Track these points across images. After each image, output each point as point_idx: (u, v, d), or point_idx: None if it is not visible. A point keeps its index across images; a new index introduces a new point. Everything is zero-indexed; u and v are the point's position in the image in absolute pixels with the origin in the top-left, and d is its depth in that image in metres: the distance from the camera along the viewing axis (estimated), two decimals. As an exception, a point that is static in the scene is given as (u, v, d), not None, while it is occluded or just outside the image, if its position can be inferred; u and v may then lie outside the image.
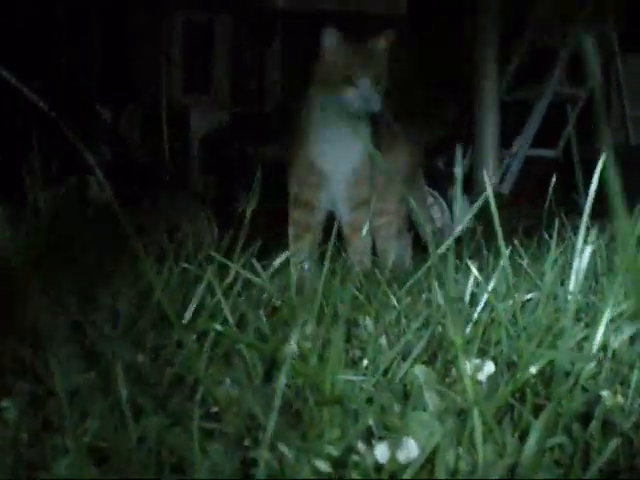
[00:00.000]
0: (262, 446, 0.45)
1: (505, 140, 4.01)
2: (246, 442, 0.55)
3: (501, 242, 0.63)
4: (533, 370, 0.57)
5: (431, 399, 0.56)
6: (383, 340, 0.78)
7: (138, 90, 4.89)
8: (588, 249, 0.59)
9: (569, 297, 0.70)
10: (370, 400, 0.60)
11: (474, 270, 0.78)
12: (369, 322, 0.84)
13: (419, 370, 0.60)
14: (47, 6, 4.30)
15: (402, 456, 0.51)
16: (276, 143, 3.45)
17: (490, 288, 0.81)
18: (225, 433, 0.56)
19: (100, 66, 4.76)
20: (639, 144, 4.47)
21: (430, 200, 3.29)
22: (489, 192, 0.75)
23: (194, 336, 0.73)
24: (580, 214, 0.84)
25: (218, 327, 0.68)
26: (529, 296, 0.81)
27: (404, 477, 0.49)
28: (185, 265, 0.98)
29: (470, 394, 0.53)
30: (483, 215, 0.95)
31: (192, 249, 1.10)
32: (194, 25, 4.88)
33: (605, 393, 0.60)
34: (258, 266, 0.91)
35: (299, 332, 0.49)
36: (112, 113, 4.82)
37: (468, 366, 0.56)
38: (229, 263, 0.88)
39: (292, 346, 0.47)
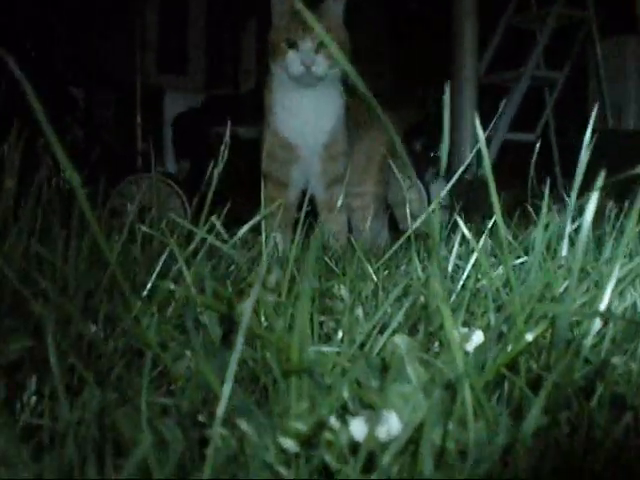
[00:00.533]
0: (215, 422, 0.39)
1: (482, 124, 3.97)
2: (203, 419, 0.50)
3: (495, 203, 0.57)
4: (529, 337, 0.52)
5: (414, 370, 0.50)
6: (359, 311, 0.73)
7: (111, 71, 4.79)
8: (592, 205, 0.53)
9: (564, 259, 0.65)
10: (344, 373, 0.54)
11: (463, 228, 0.73)
12: (344, 291, 0.79)
13: (400, 339, 0.54)
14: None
15: (382, 432, 0.45)
16: (250, 124, 3.39)
17: (474, 257, 0.76)
18: (179, 409, 0.50)
19: (72, 47, 4.65)
20: (617, 128, 4.45)
21: (407, 182, 3.25)
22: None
23: (153, 306, 0.67)
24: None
25: (172, 286, 0.62)
26: (519, 261, 0.76)
27: (384, 457, 0.43)
28: (145, 229, 0.92)
29: (459, 364, 0.48)
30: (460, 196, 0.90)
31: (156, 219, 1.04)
32: (169, 5, 4.78)
33: (616, 359, 0.55)
34: (225, 234, 0.85)
35: (260, 286, 0.43)
36: (85, 95, 4.73)
37: (454, 336, 0.51)
38: (193, 228, 0.82)
39: (251, 299, 0.41)
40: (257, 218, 0.83)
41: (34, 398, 0.55)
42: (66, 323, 0.61)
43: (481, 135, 0.67)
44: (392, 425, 0.46)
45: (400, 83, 4.78)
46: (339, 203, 1.99)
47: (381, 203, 2.31)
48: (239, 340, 0.39)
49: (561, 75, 4.34)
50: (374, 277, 0.88)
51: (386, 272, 0.95)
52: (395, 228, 2.57)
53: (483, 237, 0.76)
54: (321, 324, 0.73)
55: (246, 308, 0.40)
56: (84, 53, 4.66)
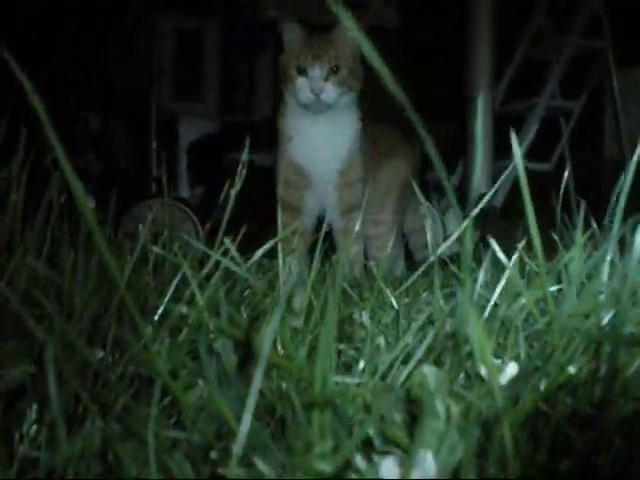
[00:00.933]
0: (232, 461, 0.35)
1: (498, 153, 3.95)
2: (215, 455, 0.46)
3: (533, 224, 0.54)
4: (572, 370, 0.48)
5: (445, 405, 0.46)
6: (381, 340, 0.69)
7: (126, 97, 4.81)
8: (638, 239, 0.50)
9: (606, 285, 0.62)
10: (367, 406, 0.51)
11: (496, 248, 0.69)
12: (365, 318, 0.75)
13: (428, 370, 0.50)
14: (34, 12, 4.22)
15: (416, 474, 0.41)
16: (265, 151, 3.37)
17: (503, 282, 0.72)
18: (190, 443, 0.46)
19: (88, 72, 4.68)
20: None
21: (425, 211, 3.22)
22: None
23: (163, 332, 0.64)
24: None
25: (184, 310, 0.59)
26: (553, 288, 0.72)
27: None
28: (157, 250, 0.88)
29: (496, 400, 0.44)
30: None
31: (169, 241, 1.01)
32: (185, 32, 4.80)
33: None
34: (239, 258, 0.81)
35: (282, 310, 0.40)
36: (100, 120, 4.75)
37: (483, 368, 0.47)
38: (207, 251, 0.79)
39: (272, 325, 0.37)
40: (272, 242, 0.79)
41: (34, 428, 0.52)
42: (70, 348, 0.58)
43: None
44: (427, 467, 0.42)
45: (417, 114, 4.76)
46: (356, 230, 1.96)
47: (398, 232, 2.28)
48: (259, 372, 0.35)
49: (577, 105, 4.32)
50: (395, 304, 0.84)
51: (406, 300, 0.91)
52: (408, 257, 2.54)
53: (514, 258, 0.73)
54: (339, 352, 0.70)
55: (267, 335, 0.37)
56: (99, 78, 4.68)
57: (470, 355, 0.59)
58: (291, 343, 0.56)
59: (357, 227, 1.95)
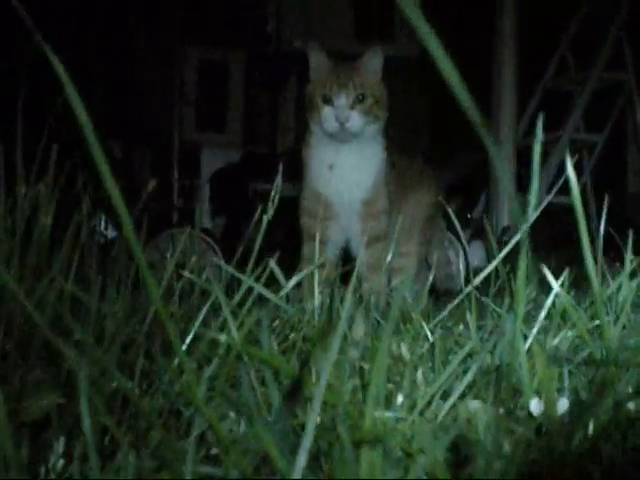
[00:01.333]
0: None
1: (521, 186, 3.92)
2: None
3: (587, 248, 0.51)
4: (631, 406, 0.45)
5: (498, 441, 0.43)
6: (419, 374, 0.66)
7: (150, 127, 4.84)
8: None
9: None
10: (410, 442, 0.48)
11: (548, 274, 0.66)
12: (404, 350, 0.72)
13: (476, 405, 0.47)
14: (60, 39, 4.27)
15: None
16: (288, 181, 3.37)
17: (543, 315, 0.70)
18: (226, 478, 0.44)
19: (112, 102, 4.72)
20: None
21: (446, 243, 3.20)
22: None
23: (193, 362, 0.62)
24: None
25: (222, 337, 0.56)
26: (596, 323, 0.68)
27: None
28: (187, 274, 0.86)
29: (554, 435, 0.41)
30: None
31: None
32: (209, 63, 4.84)
33: None
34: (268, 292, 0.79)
35: (338, 340, 0.37)
36: (123, 149, 4.78)
37: (534, 403, 0.44)
38: (239, 275, 0.76)
39: (331, 355, 0.35)
40: (305, 271, 0.77)
41: (61, 462, 0.49)
42: (100, 377, 0.56)
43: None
44: None
45: (438, 146, 4.76)
46: (384, 263, 1.94)
47: (422, 264, 2.26)
48: (316, 406, 0.33)
49: (600, 138, 4.29)
50: (430, 337, 0.82)
51: (440, 331, 0.88)
52: (432, 289, 2.51)
53: (561, 280, 0.70)
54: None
55: (324, 369, 0.34)
56: (123, 107, 4.72)
57: (515, 390, 0.57)
58: (338, 377, 0.53)
59: (388, 258, 1.92)
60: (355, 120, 1.87)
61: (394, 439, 0.46)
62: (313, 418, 0.33)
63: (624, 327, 0.65)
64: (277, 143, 4.71)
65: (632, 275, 0.72)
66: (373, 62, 1.94)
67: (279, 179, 1.32)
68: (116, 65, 4.71)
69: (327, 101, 1.89)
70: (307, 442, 0.33)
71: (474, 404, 0.49)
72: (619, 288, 0.65)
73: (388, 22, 4.83)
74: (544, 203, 2.96)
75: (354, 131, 1.88)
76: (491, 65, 3.93)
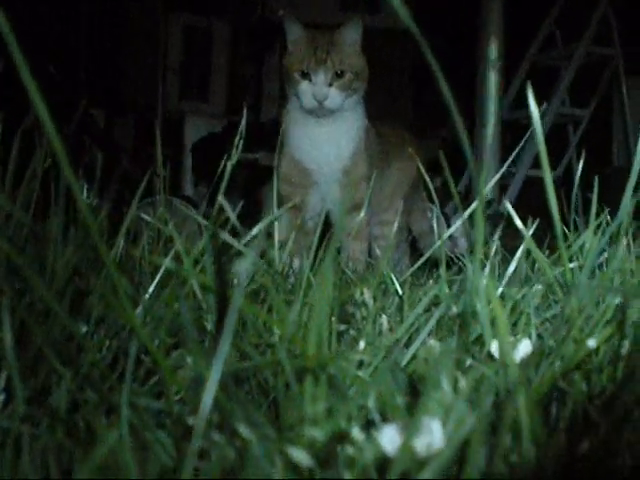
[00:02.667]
0: (201, 410, 0.31)
1: (505, 160, 3.91)
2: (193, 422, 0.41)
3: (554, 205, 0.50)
4: (592, 343, 0.44)
5: (453, 377, 0.42)
6: (384, 320, 0.65)
7: (133, 96, 4.79)
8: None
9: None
10: (367, 385, 0.46)
11: (515, 217, 0.65)
12: (367, 297, 0.71)
13: (435, 344, 0.46)
14: (41, 7, 4.20)
15: (421, 444, 0.37)
16: (269, 150, 3.34)
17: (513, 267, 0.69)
18: (167, 413, 0.42)
19: (95, 70, 4.66)
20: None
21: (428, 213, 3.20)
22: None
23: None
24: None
25: (168, 264, 0.55)
26: (571, 265, 0.67)
27: (423, 476, 0.35)
28: (146, 217, 0.85)
29: (512, 373, 0.40)
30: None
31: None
32: (193, 31, 4.78)
33: None
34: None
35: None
36: (106, 118, 4.72)
37: (494, 345, 0.43)
38: (203, 221, 0.75)
39: (247, 260, 0.33)
40: (268, 220, 0.76)
41: (2, 397, 0.48)
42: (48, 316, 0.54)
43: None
44: (434, 435, 0.37)
45: (422, 119, 4.74)
46: (364, 230, 1.93)
47: (403, 232, 2.25)
48: (231, 317, 0.31)
49: (586, 113, 4.28)
50: (399, 289, 0.80)
51: (409, 290, 0.87)
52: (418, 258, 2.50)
53: (531, 230, 0.69)
54: (341, 334, 0.66)
55: (241, 268, 0.33)
56: (107, 76, 4.66)
57: (479, 337, 0.56)
58: (285, 308, 0.52)
59: (363, 226, 1.91)
60: (334, 97, 1.84)
61: (346, 373, 0.44)
62: (230, 322, 0.32)
63: (592, 274, 0.64)
64: (261, 113, 4.67)
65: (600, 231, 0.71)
66: (352, 34, 1.89)
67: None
68: (99, 33, 4.64)
69: (305, 76, 1.85)
70: (224, 346, 0.31)
71: (433, 344, 0.48)
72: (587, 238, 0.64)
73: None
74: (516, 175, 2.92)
75: (332, 107, 1.85)
76: (477, 40, 3.90)
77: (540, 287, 0.67)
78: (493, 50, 3.81)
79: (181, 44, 4.72)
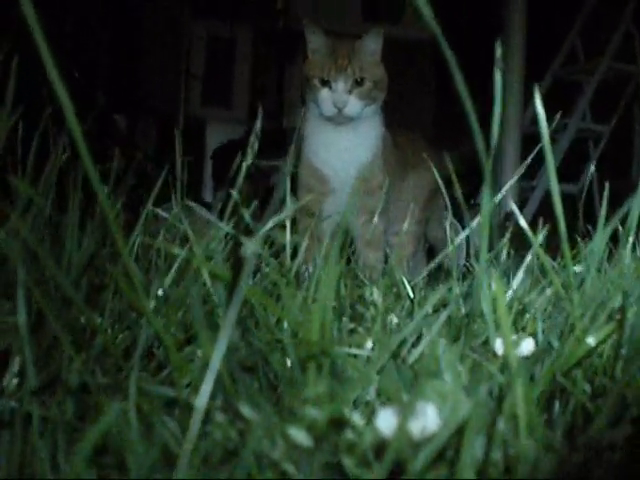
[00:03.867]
0: (202, 388, 0.32)
1: (526, 173, 3.90)
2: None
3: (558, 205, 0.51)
4: (591, 341, 0.45)
5: (454, 369, 0.43)
6: (393, 318, 0.65)
7: (156, 101, 4.82)
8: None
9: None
10: (371, 379, 0.47)
11: (521, 220, 0.65)
12: (376, 296, 0.71)
13: (440, 340, 0.47)
14: (67, 13, 4.25)
15: (416, 427, 0.38)
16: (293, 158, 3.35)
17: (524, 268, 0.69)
18: (175, 400, 0.43)
19: (119, 75, 4.70)
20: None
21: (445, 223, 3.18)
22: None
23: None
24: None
25: (180, 251, 0.56)
26: (577, 269, 0.68)
27: (417, 460, 0.36)
28: (161, 212, 0.86)
29: (512, 366, 0.40)
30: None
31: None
32: (216, 38, 4.82)
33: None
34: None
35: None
36: (128, 123, 4.76)
37: (498, 343, 0.44)
38: (218, 223, 0.76)
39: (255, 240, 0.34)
40: (282, 216, 0.76)
41: (15, 381, 0.49)
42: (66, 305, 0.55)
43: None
44: (429, 420, 0.38)
45: (443, 130, 4.74)
46: (380, 239, 1.93)
47: (420, 242, 2.25)
48: (235, 304, 0.32)
49: (607, 128, 4.27)
50: (410, 293, 0.81)
51: (422, 293, 0.88)
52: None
53: (540, 236, 0.69)
54: (351, 331, 0.66)
55: (247, 267, 0.34)
56: (129, 81, 4.70)
57: (487, 340, 0.56)
58: (290, 298, 0.52)
59: (380, 234, 1.91)
60: (353, 105, 1.84)
61: (348, 362, 0.45)
62: (232, 313, 0.32)
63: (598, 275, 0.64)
64: (283, 120, 4.69)
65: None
66: (373, 44, 1.90)
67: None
68: (123, 39, 4.69)
69: (325, 83, 1.85)
70: (231, 318, 0.32)
71: (438, 339, 0.48)
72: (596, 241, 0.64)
73: (396, 3, 4.80)
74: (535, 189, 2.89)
75: (351, 115, 1.85)
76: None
77: (548, 290, 0.68)
78: (498, 49, 3.81)
79: (204, 51, 4.76)
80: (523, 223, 0.65)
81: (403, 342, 0.56)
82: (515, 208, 0.88)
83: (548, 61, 4.36)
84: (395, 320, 0.64)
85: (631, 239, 0.65)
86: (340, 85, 1.83)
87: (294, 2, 4.53)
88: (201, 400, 0.33)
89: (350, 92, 1.84)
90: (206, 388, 0.33)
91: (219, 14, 4.81)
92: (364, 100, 1.86)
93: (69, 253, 0.62)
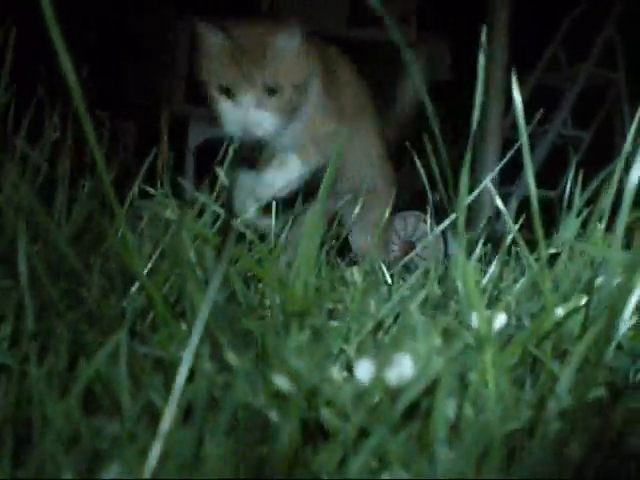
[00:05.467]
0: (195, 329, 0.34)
1: (504, 178, 3.93)
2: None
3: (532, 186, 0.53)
4: (560, 312, 0.47)
5: (429, 334, 0.44)
6: (372, 300, 0.67)
7: (139, 99, 4.82)
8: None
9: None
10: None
11: (498, 202, 0.68)
12: (357, 276, 0.73)
13: (414, 310, 0.49)
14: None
15: (393, 375, 0.40)
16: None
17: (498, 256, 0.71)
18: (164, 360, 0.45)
19: (100, 71, 4.69)
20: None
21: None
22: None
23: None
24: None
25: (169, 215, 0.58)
26: (552, 250, 0.70)
27: (398, 405, 0.37)
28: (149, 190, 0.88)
29: (482, 330, 0.42)
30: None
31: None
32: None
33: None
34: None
35: None
36: (109, 119, 4.75)
37: (473, 317, 0.46)
38: (199, 195, 0.78)
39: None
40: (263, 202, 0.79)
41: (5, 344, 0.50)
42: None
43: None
44: (404, 368, 0.40)
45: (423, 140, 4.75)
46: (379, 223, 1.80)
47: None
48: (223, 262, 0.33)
49: (587, 135, 4.32)
50: (388, 278, 0.83)
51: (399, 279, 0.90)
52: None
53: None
54: (330, 312, 0.68)
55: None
56: (112, 78, 4.69)
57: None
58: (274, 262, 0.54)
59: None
60: (265, 121, 1.48)
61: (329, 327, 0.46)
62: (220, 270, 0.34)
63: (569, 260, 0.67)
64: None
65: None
66: (288, 43, 1.55)
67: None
68: (106, 35, 4.68)
69: (226, 93, 1.52)
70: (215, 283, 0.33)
71: (413, 310, 0.50)
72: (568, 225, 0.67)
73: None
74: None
75: (263, 135, 1.52)
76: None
77: (525, 274, 0.70)
78: (497, 70, 3.84)
79: (187, 48, 4.75)
80: (500, 204, 0.67)
81: (381, 323, 0.58)
82: (500, 204, 0.87)
83: (530, 68, 4.40)
84: (374, 304, 0.65)
85: (604, 219, 0.67)
86: (246, 97, 1.49)
87: (279, 3, 4.54)
88: (189, 350, 0.34)
89: (260, 106, 1.50)
90: (194, 339, 0.34)
91: (202, 12, 4.81)
92: (281, 115, 1.51)
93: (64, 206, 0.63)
